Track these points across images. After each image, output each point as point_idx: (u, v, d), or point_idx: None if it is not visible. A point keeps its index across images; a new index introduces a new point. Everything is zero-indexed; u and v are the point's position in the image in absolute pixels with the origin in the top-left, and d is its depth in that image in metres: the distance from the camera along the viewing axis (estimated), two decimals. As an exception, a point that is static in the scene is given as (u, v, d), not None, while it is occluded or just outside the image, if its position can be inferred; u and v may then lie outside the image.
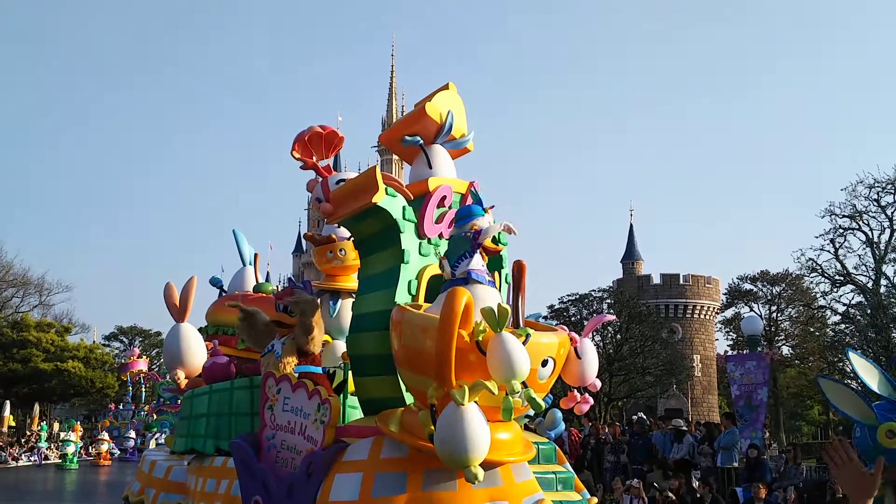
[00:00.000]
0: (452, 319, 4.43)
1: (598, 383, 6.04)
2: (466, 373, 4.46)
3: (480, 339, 4.52)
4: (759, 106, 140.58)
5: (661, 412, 40.77)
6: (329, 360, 7.42)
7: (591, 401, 6.20)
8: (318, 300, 7.92)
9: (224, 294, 9.28)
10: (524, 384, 4.39)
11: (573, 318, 43.79)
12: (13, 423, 44.95)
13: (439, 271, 6.03)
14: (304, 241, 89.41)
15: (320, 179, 7.13)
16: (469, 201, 6.29)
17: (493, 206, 5.64)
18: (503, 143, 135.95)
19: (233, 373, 7.24)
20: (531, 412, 6.82)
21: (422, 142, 6.36)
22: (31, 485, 25.40)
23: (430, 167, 6.34)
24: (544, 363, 4.90)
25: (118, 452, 36.86)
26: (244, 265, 9.26)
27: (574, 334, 5.61)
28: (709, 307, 54.29)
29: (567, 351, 5.30)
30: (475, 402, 4.41)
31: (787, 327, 53.86)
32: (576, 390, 6.03)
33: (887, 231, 36.04)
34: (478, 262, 5.16)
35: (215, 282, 9.29)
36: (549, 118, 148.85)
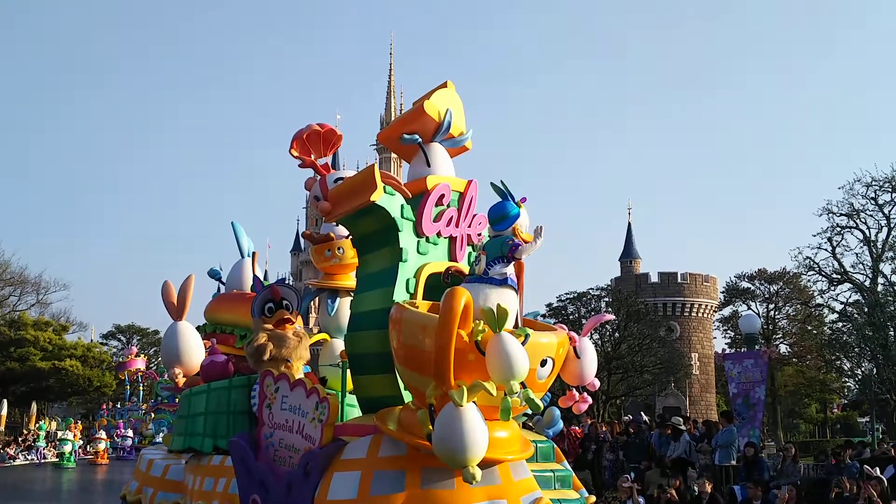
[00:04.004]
0: (452, 318, 4.43)
1: (597, 382, 6.04)
2: (465, 373, 4.46)
3: (479, 339, 4.52)
4: (757, 105, 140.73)
5: (660, 410, 40.73)
6: (327, 359, 7.42)
7: (590, 400, 6.20)
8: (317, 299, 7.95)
9: (222, 286, 9.23)
10: (523, 384, 4.38)
11: (571, 317, 43.77)
12: (25, 425, 44.95)
13: (438, 269, 6.04)
14: (302, 240, 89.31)
15: (319, 178, 7.13)
16: (470, 194, 6.27)
17: (525, 199, 5.52)
18: (501, 141, 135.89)
19: (231, 371, 7.22)
20: (529, 410, 6.85)
21: (420, 140, 6.35)
22: (29, 484, 25.34)
23: (429, 165, 6.34)
24: (543, 363, 4.90)
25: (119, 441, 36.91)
26: (242, 257, 9.21)
27: (573, 334, 5.60)
28: (707, 305, 54.25)
29: (566, 351, 5.30)
30: (473, 402, 4.41)
31: (785, 325, 53.89)
32: (574, 389, 6.03)
33: (884, 229, 36.03)
34: (511, 268, 5.22)
35: (214, 273, 9.23)
36: (548, 116, 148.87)
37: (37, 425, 39.90)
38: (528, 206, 5.53)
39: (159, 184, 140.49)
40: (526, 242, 5.20)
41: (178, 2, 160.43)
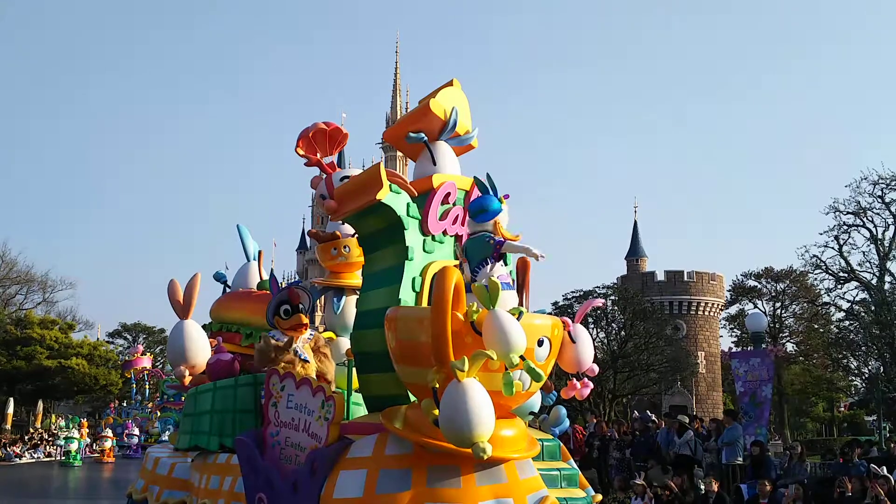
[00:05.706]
0: (445, 298, 4.48)
1: (596, 368, 6.07)
2: (463, 355, 4.48)
3: (475, 319, 4.56)
4: (764, 103, 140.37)
5: (666, 409, 40.72)
6: (333, 357, 7.42)
7: (591, 384, 6.23)
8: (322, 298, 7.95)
9: (228, 289, 9.27)
10: (522, 357, 4.43)
11: (577, 315, 43.73)
12: (31, 423, 45.14)
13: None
14: (308, 238, 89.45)
15: (324, 176, 7.13)
16: (476, 193, 6.22)
17: (507, 196, 5.50)
18: (507, 139, 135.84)
19: (237, 370, 7.23)
20: (535, 409, 6.84)
21: (426, 138, 6.34)
22: (36, 482, 25.44)
23: (435, 164, 6.34)
24: (540, 343, 4.94)
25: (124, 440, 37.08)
26: (248, 260, 9.26)
27: (566, 319, 5.65)
28: (713, 304, 54.13)
29: (561, 333, 5.36)
30: (476, 379, 4.43)
31: (792, 324, 53.75)
32: (574, 378, 6.08)
33: (891, 228, 35.94)
34: (500, 268, 5.21)
35: (219, 276, 9.28)
36: (554, 114, 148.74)
37: (56, 424, 40.07)
38: (534, 206, 5.55)
39: (166, 182, 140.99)
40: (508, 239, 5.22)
41: (181, 1, 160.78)
